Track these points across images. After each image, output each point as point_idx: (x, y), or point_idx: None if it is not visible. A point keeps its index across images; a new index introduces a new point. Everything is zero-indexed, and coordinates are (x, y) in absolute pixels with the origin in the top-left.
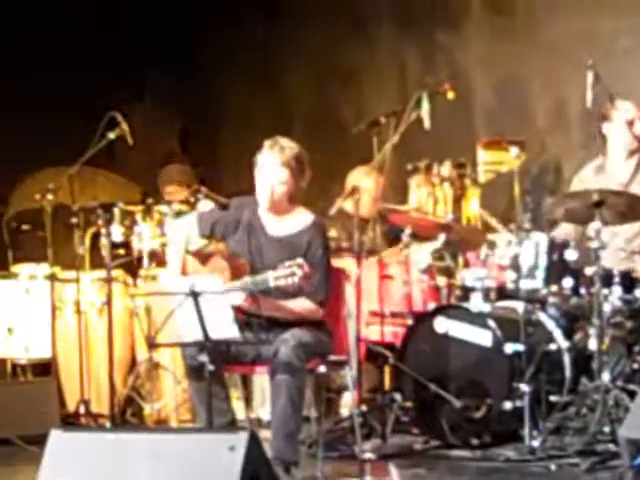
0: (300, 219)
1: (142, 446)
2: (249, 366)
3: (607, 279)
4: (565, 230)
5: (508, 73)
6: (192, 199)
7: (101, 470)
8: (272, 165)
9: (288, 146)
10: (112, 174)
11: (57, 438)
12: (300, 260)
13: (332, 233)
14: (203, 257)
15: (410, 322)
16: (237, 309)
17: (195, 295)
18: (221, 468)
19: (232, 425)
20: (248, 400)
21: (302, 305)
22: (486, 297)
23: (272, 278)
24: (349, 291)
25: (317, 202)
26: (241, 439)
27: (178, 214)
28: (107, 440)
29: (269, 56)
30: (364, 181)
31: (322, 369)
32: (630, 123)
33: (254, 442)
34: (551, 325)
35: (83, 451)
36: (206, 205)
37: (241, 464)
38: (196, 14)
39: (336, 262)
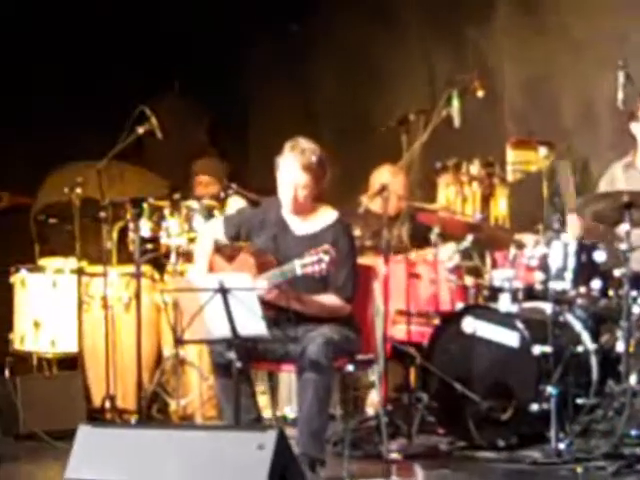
0: (324, 217)
1: (170, 443)
2: (276, 364)
3: (636, 281)
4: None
5: (538, 72)
6: (222, 195)
7: (129, 466)
8: (293, 168)
9: (308, 148)
10: (140, 168)
11: (85, 433)
12: (327, 246)
13: (356, 232)
14: (230, 255)
15: (437, 321)
16: (266, 306)
17: (224, 291)
18: (249, 466)
19: (257, 422)
20: (274, 397)
21: (330, 300)
22: (514, 298)
23: (299, 266)
24: (377, 289)
25: (344, 200)
26: (270, 438)
27: (207, 210)
28: (135, 436)
29: (298, 51)
30: (390, 180)
31: (350, 368)
32: None
33: (283, 441)
34: (579, 327)
35: (111, 447)
36: (236, 202)
37: (270, 463)
38: (229, 9)
39: (360, 261)
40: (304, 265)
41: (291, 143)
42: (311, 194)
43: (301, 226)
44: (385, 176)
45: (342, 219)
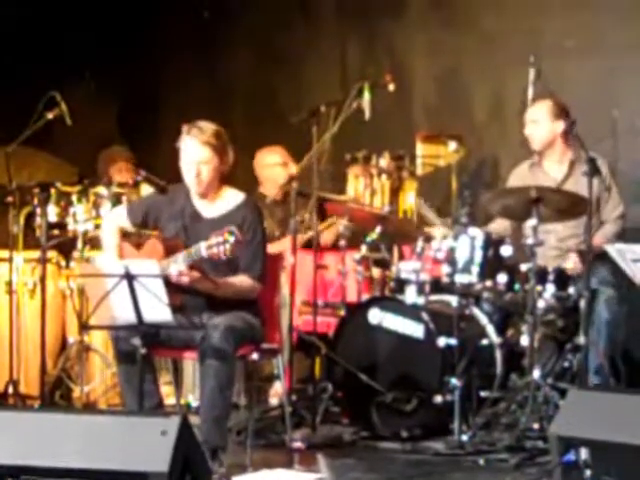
0: (231, 198)
1: (73, 427)
2: (179, 351)
3: (541, 276)
4: (500, 225)
5: (449, 66)
6: (130, 182)
7: (31, 450)
8: (193, 146)
9: (206, 125)
10: (48, 154)
11: None
12: (232, 227)
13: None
14: (138, 242)
15: (343, 313)
16: (171, 292)
17: (130, 278)
18: (152, 452)
19: (159, 408)
20: (178, 386)
21: (240, 281)
22: (420, 290)
23: (205, 247)
24: (283, 279)
25: (254, 188)
26: (173, 423)
27: (115, 196)
28: (38, 420)
29: (211, 38)
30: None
31: (255, 356)
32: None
33: (186, 427)
34: (484, 320)
35: (12, 430)
36: (148, 189)
37: (172, 448)
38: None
39: (273, 247)
40: (209, 246)
41: (188, 125)
42: (215, 172)
43: (209, 209)
44: (273, 159)
45: (249, 199)
